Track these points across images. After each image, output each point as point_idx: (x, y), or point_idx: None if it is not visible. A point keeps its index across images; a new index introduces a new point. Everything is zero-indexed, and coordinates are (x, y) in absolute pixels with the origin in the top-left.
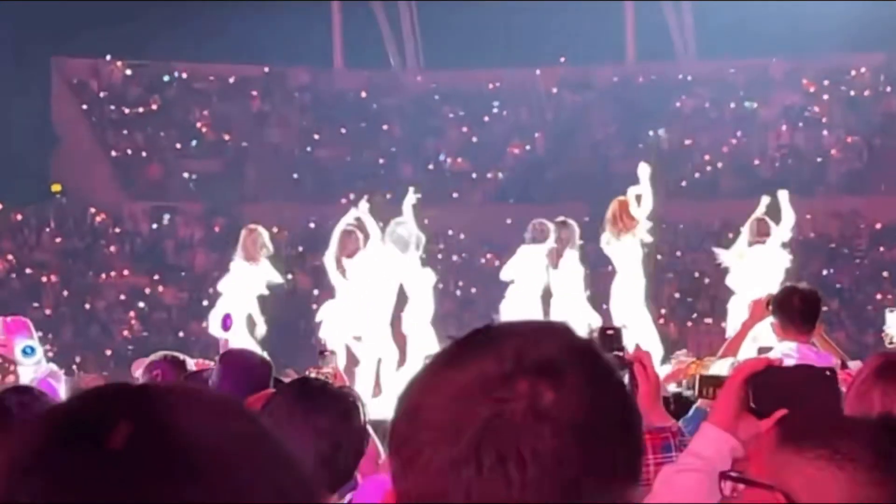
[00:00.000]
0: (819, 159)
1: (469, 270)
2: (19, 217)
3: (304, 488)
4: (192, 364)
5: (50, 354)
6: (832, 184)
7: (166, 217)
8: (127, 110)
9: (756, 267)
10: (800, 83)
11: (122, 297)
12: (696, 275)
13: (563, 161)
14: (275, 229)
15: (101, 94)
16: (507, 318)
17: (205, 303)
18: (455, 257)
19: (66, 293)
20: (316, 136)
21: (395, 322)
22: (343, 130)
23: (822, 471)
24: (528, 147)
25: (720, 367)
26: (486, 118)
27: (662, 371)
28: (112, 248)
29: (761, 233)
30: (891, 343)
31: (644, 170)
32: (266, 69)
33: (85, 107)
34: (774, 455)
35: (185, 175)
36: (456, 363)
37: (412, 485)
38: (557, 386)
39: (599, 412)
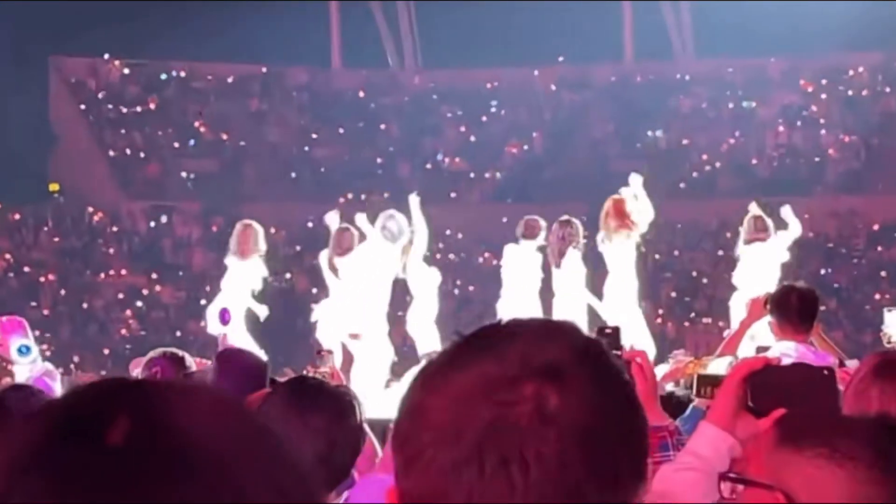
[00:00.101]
0: (817, 159)
1: (467, 270)
2: (17, 216)
3: (304, 486)
4: (191, 361)
5: (48, 354)
6: (830, 183)
7: (164, 216)
8: (125, 109)
9: (755, 265)
10: (798, 83)
11: (120, 296)
12: (694, 274)
13: (561, 160)
14: (273, 229)
15: (99, 94)
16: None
17: (202, 302)
18: (452, 256)
19: (63, 292)
20: (314, 136)
21: (396, 319)
22: (341, 130)
23: (822, 469)
24: (525, 147)
25: (718, 365)
26: (484, 118)
27: (659, 370)
28: (110, 248)
29: (759, 230)
30: (889, 342)
31: (636, 179)
32: (264, 69)
33: (83, 106)
34: (773, 454)
35: (183, 174)
36: (460, 364)
37: (413, 484)
38: (563, 389)
39: (605, 416)
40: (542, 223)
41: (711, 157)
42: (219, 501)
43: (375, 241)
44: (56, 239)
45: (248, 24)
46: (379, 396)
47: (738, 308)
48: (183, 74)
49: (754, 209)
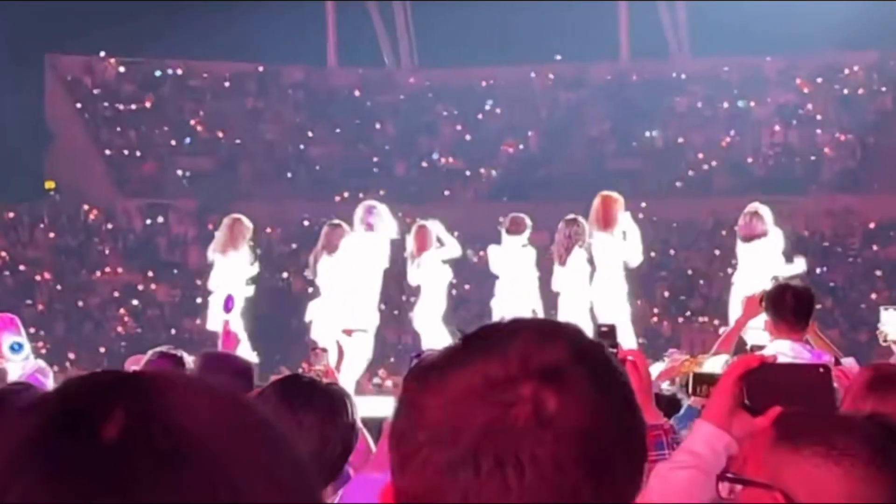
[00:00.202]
0: (812, 158)
1: (462, 268)
2: (12, 214)
3: (303, 481)
4: (189, 360)
5: (43, 351)
6: (825, 182)
7: (160, 214)
8: (121, 107)
9: (754, 263)
10: (793, 81)
11: (116, 294)
12: (690, 273)
13: (556, 159)
14: (268, 227)
15: (95, 92)
16: (499, 314)
17: (198, 300)
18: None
19: (59, 290)
20: (310, 134)
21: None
22: (337, 129)
23: (819, 467)
24: (521, 145)
25: (714, 364)
26: (480, 116)
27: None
28: (105, 246)
29: (757, 228)
30: (885, 341)
31: (625, 217)
32: (260, 67)
33: (79, 104)
34: (771, 453)
35: (179, 172)
36: (459, 363)
37: (409, 483)
38: (561, 391)
39: (603, 418)
40: (528, 221)
41: (707, 155)
42: (215, 496)
43: (358, 234)
44: (52, 236)
45: (244, 23)
46: (356, 391)
47: (734, 306)
48: (179, 72)
49: (752, 207)
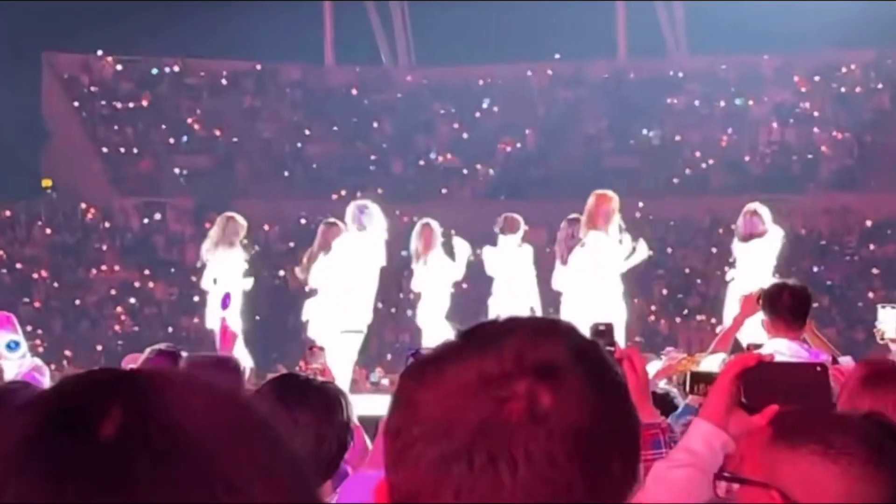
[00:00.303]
0: (810, 156)
1: None
2: (9, 212)
3: (300, 479)
4: None
5: (40, 349)
6: (823, 180)
7: (157, 213)
8: (118, 106)
9: (751, 262)
10: (791, 80)
11: (113, 292)
12: (687, 271)
13: (554, 157)
14: (266, 225)
15: (92, 90)
16: (496, 314)
17: (195, 298)
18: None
19: (56, 288)
20: (307, 132)
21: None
22: (334, 127)
23: (816, 466)
24: (518, 143)
25: (711, 362)
26: (477, 114)
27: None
28: (102, 244)
29: (756, 227)
30: (882, 339)
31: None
32: (258, 65)
33: (76, 102)
34: (768, 452)
35: (176, 171)
36: (455, 359)
37: (403, 478)
38: (556, 388)
39: (597, 417)
40: (522, 220)
41: (704, 154)
42: (213, 495)
43: (351, 234)
44: (49, 234)
45: (241, 21)
46: (352, 389)
47: (731, 305)
48: (176, 71)
49: (751, 206)
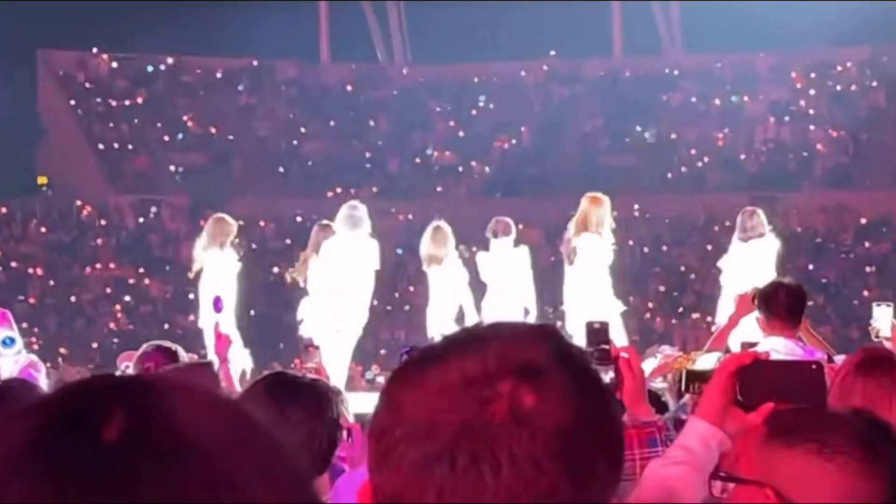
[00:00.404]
0: (805, 154)
1: None
2: (4, 210)
3: (298, 480)
4: (184, 355)
5: (35, 347)
6: (818, 178)
7: (152, 210)
8: (113, 103)
9: (749, 261)
10: (786, 78)
11: (108, 289)
12: (682, 269)
13: (549, 155)
14: (261, 222)
15: (88, 87)
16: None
17: (190, 296)
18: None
19: (51, 286)
20: (303, 130)
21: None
22: (330, 124)
23: (812, 464)
24: (514, 141)
25: (707, 361)
26: (473, 112)
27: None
28: (98, 241)
29: (754, 226)
30: (877, 337)
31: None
32: (253, 62)
33: (71, 100)
34: (763, 450)
35: (172, 168)
36: (439, 361)
37: (386, 479)
38: (539, 389)
39: (580, 419)
40: (512, 222)
41: (700, 151)
42: (215, 496)
43: (342, 235)
44: (44, 232)
45: (237, 18)
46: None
47: (726, 303)
48: (172, 68)
49: (749, 208)
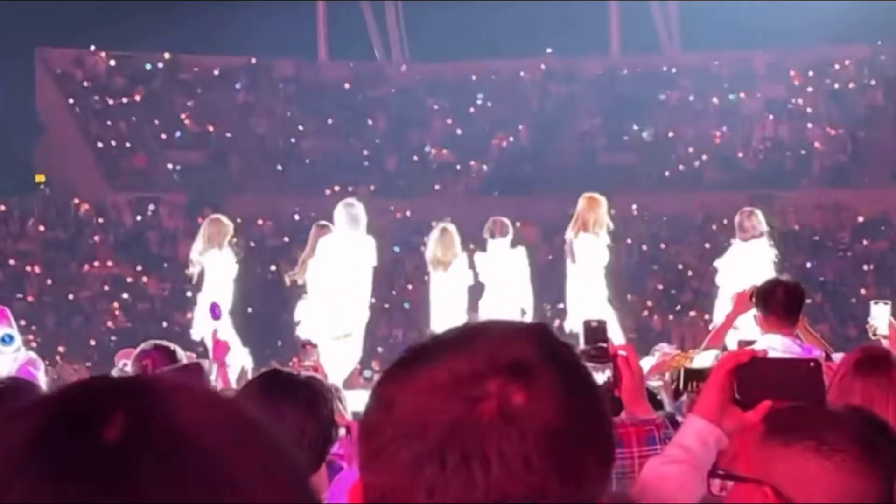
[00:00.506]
0: (803, 152)
1: None
2: (2, 208)
3: (298, 479)
4: (182, 354)
5: (33, 345)
6: (816, 176)
7: (150, 208)
8: (111, 101)
9: (746, 260)
10: (784, 76)
11: (106, 287)
12: (680, 267)
13: (547, 153)
14: (259, 221)
15: (86, 85)
16: (485, 313)
17: (188, 294)
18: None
19: (49, 283)
20: (300, 128)
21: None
22: (328, 122)
23: (810, 462)
24: (512, 139)
25: (704, 358)
26: (471, 110)
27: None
28: (96, 239)
29: (753, 226)
30: (875, 335)
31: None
32: (251, 60)
33: (69, 97)
34: (761, 448)
35: (170, 166)
36: (429, 359)
37: (376, 478)
38: (528, 388)
39: (570, 417)
40: (509, 222)
41: (698, 149)
42: (218, 497)
43: (341, 234)
44: (42, 230)
45: (235, 16)
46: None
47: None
48: (169, 66)
49: (747, 208)
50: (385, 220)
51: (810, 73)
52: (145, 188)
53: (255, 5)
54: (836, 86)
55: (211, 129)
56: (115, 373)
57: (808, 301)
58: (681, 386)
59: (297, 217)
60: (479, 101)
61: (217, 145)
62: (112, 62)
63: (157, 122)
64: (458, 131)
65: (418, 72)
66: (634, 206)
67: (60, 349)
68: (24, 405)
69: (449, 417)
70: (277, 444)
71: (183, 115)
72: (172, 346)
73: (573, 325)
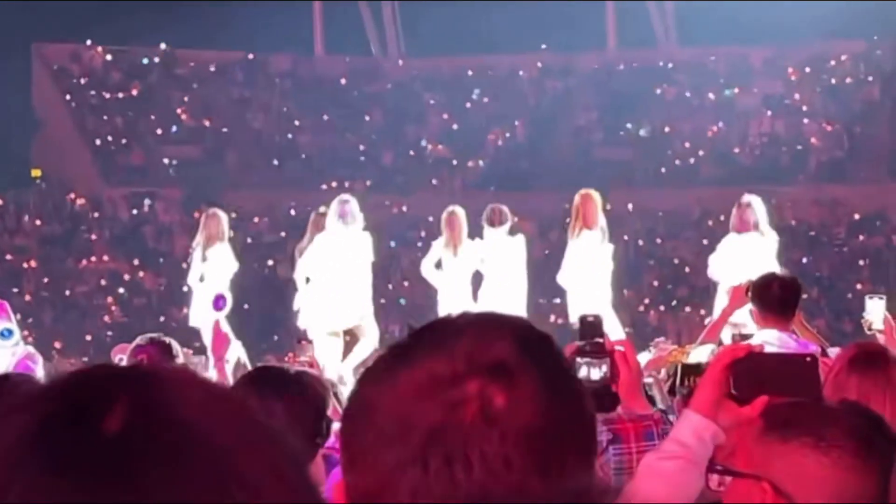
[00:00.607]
0: (799, 147)
1: None
2: None
3: (299, 471)
4: (178, 348)
5: (30, 340)
6: (812, 172)
7: (146, 203)
8: (107, 96)
9: (742, 255)
10: (780, 71)
11: (102, 282)
12: (676, 262)
13: (543, 148)
14: (255, 216)
15: (82, 80)
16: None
17: (185, 289)
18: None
19: (45, 279)
20: (297, 123)
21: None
22: (324, 117)
23: (808, 457)
24: (508, 134)
25: (700, 353)
26: (468, 105)
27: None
28: (92, 234)
29: (748, 220)
30: (870, 329)
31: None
32: (247, 55)
33: (66, 93)
34: (759, 444)
35: (166, 161)
36: (408, 360)
37: (360, 480)
38: (509, 389)
39: (551, 417)
40: (508, 211)
41: (694, 145)
42: (224, 493)
43: (337, 229)
44: (38, 225)
45: (231, 11)
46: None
47: (720, 296)
48: (166, 60)
49: (746, 198)
50: (381, 215)
51: (807, 69)
52: (141, 183)
53: (252, 0)
54: (833, 81)
55: (207, 123)
56: None
57: (804, 296)
58: (678, 381)
59: (293, 212)
60: (475, 97)
61: (213, 140)
62: (108, 57)
63: (153, 117)
64: (455, 127)
65: (414, 67)
66: (630, 202)
67: (57, 345)
68: (23, 397)
69: (431, 422)
70: (283, 442)
71: (179, 110)
72: (169, 340)
73: (574, 316)
